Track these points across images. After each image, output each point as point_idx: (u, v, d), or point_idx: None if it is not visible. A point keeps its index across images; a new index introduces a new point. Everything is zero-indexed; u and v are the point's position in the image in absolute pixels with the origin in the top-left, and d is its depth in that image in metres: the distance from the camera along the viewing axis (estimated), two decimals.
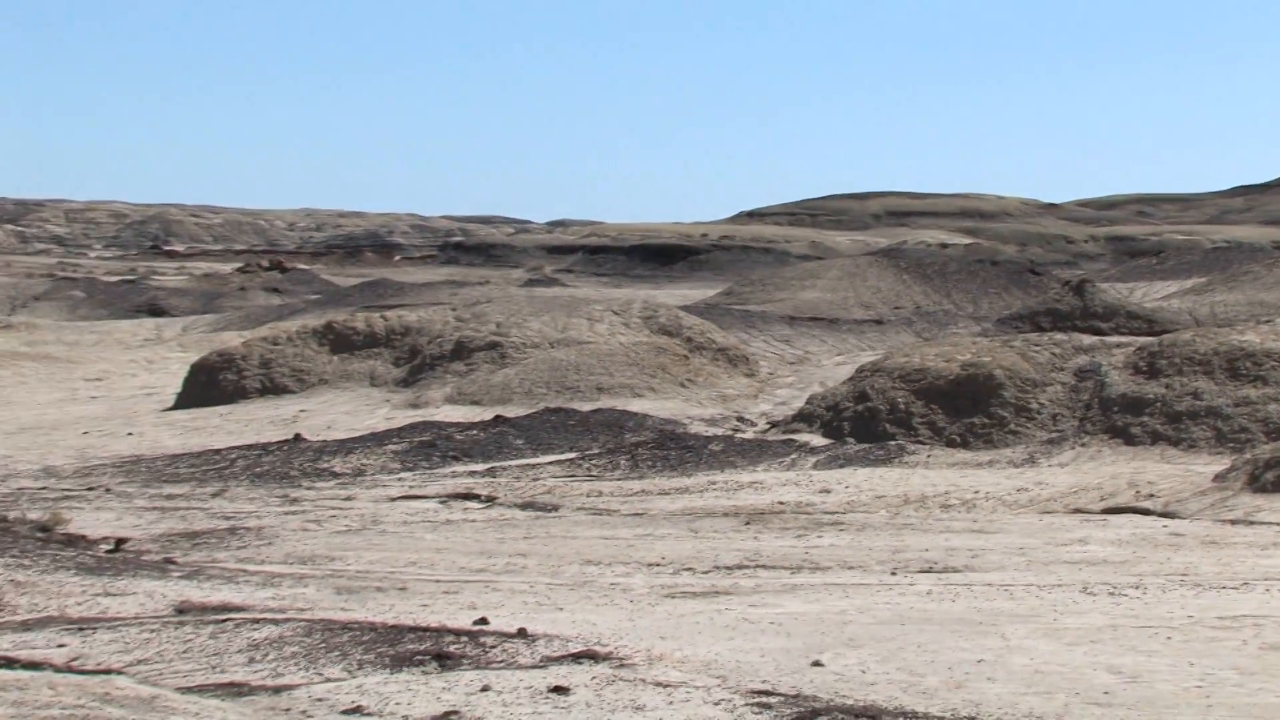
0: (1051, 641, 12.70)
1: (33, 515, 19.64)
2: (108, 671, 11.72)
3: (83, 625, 13.53)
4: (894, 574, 16.21)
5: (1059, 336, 31.18)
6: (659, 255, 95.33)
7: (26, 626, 13.54)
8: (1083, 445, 25.90)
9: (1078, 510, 20.97)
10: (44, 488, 23.30)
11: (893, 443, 26.59)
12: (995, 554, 17.35)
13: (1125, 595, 14.81)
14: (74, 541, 18.05)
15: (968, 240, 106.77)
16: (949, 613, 13.94)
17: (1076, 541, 18.33)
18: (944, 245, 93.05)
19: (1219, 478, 22.34)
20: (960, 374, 28.20)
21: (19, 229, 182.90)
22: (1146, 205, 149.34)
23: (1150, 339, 30.62)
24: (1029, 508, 21.01)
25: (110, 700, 10.31)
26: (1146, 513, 20.83)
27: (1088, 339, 30.90)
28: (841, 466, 24.68)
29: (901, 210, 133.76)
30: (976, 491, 22.04)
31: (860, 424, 27.82)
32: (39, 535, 18.15)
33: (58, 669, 11.73)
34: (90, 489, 23.18)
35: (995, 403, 27.49)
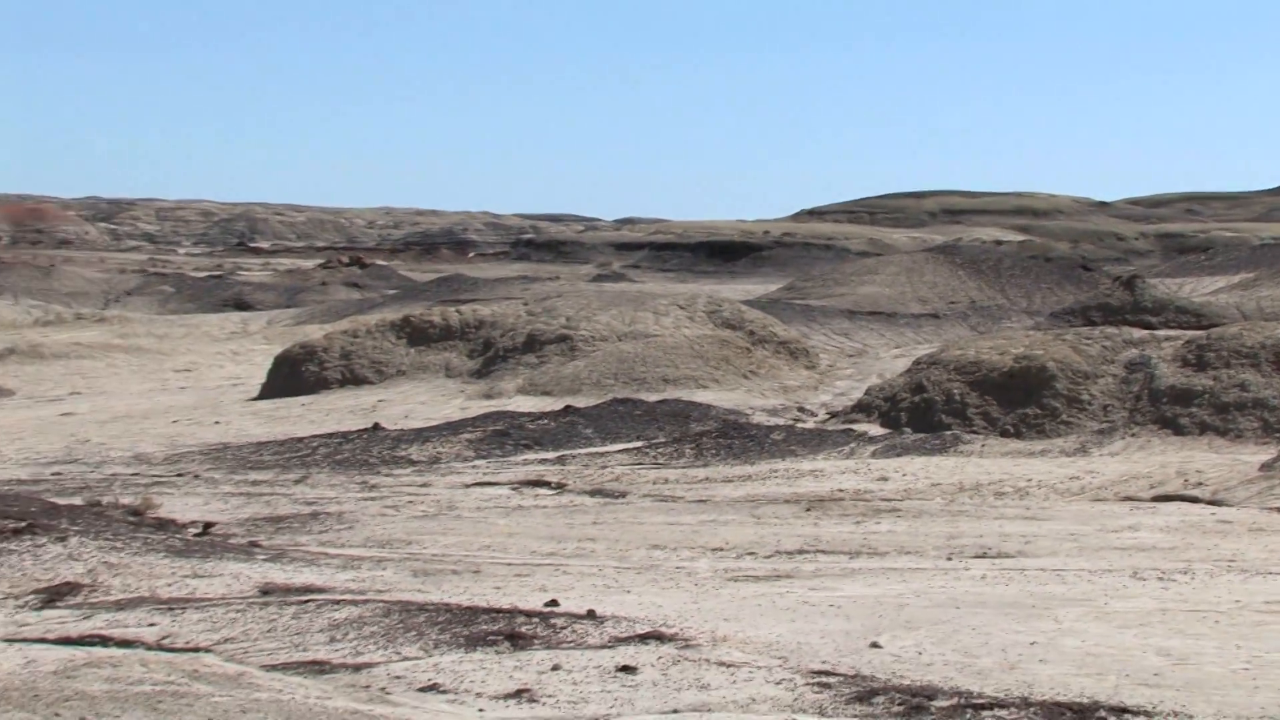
0: (1102, 624, 12.65)
1: (125, 500, 19.77)
2: (196, 649, 11.80)
3: (172, 605, 13.62)
4: (949, 559, 16.17)
5: (1110, 330, 31.01)
6: (723, 252, 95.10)
7: (120, 606, 13.64)
8: (1133, 435, 25.75)
9: (1128, 498, 20.86)
10: (136, 474, 23.44)
11: (948, 432, 26.49)
12: (1047, 540, 17.28)
13: (1174, 580, 14.74)
14: (164, 525, 18.17)
15: (1021, 237, 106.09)
16: (1003, 596, 13.90)
17: (1127, 528, 18.24)
18: (998, 242, 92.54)
19: (1265, 466, 22.20)
20: (1014, 366, 28.09)
21: (112, 227, 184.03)
22: (1195, 203, 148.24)
23: (1198, 333, 30.41)
24: (1080, 495, 20.92)
25: (198, 677, 10.37)
26: (1195, 500, 20.71)
27: (1138, 333, 30.71)
28: (898, 455, 24.60)
29: (957, 208, 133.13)
30: (1029, 480, 21.95)
31: (917, 414, 27.74)
32: (131, 519, 18.27)
33: (149, 647, 11.81)
34: (179, 475, 23.31)
35: (1048, 394, 27.37)
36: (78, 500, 19.60)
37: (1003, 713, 10.00)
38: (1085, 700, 10.29)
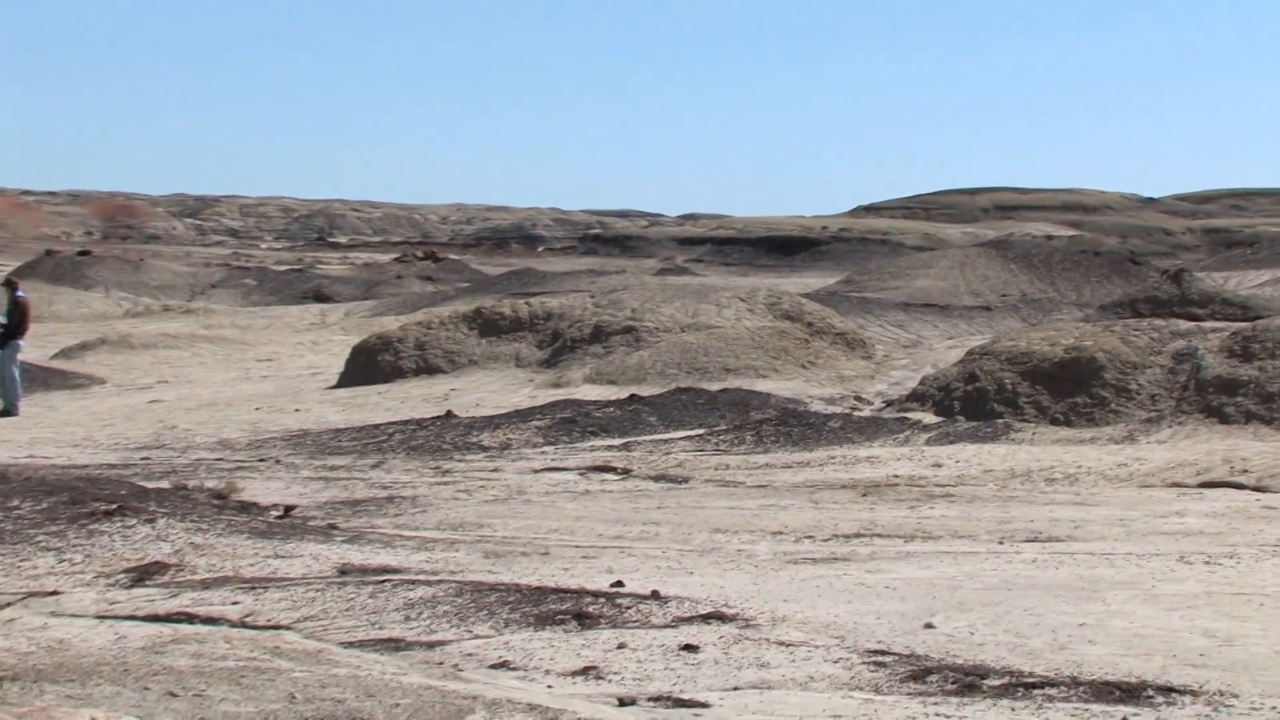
0: (1150, 607, 12.59)
1: (210, 484, 19.88)
2: (277, 627, 11.87)
3: (254, 585, 13.70)
4: (1001, 543, 16.11)
5: (1158, 322, 30.81)
6: (782, 246, 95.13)
7: (205, 585, 13.74)
8: (1179, 424, 25.61)
9: (1175, 484, 20.74)
10: (220, 459, 23.58)
11: (1000, 420, 26.40)
12: (1096, 525, 17.21)
13: (1220, 564, 14.65)
14: (247, 508, 18.27)
15: (1071, 233, 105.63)
16: (1053, 579, 13.85)
17: (1174, 514, 18.14)
18: (1049, 237, 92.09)
19: None
20: (1064, 357, 27.98)
21: (198, 223, 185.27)
22: (1241, 199, 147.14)
23: (1244, 324, 30.18)
24: (1128, 482, 20.81)
25: (280, 653, 10.43)
26: (1240, 487, 20.56)
27: (1185, 324, 30.51)
28: (952, 442, 24.53)
29: (1009, 204, 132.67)
30: (1079, 466, 21.85)
31: (969, 403, 27.66)
32: (215, 502, 18.38)
33: (232, 624, 11.89)
34: (261, 460, 23.44)
35: (1097, 384, 27.26)
36: (165, 484, 19.72)
37: (1053, 691, 9.98)
38: (1133, 680, 10.25)
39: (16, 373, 30.16)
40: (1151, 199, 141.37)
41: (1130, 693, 9.93)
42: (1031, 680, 10.25)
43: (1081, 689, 10.03)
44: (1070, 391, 27.28)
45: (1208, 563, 14.74)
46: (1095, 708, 9.56)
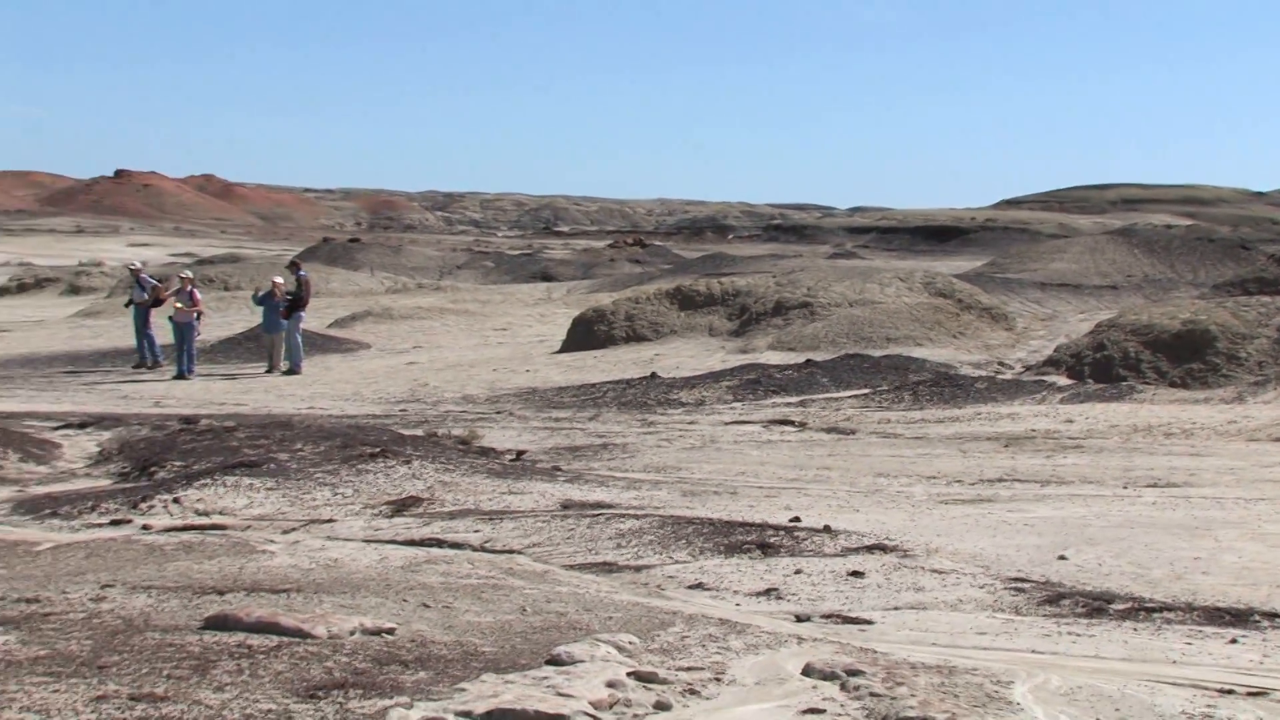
0: (1257, 544, 12.31)
1: (455, 432, 20.15)
2: (511, 551, 12.00)
3: (492, 516, 13.87)
4: (1125, 488, 15.82)
5: (1264, 299, 30.07)
6: (936, 234, 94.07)
7: (451, 516, 13.93)
8: None
9: (1278, 439, 20.20)
10: (464, 411, 23.89)
11: (1124, 383, 25.91)
12: (1209, 473, 16.82)
13: None
14: (486, 453, 18.50)
15: (1188, 222, 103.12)
16: (1170, 519, 13.58)
17: (1277, 464, 17.67)
18: (1168, 226, 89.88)
19: None
20: (1181, 328, 27.41)
21: (446, 215, 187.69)
22: None
23: None
24: (1237, 436, 20.30)
25: (513, 573, 10.54)
26: None
27: None
28: (1082, 402, 24.10)
29: (1133, 198, 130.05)
30: (1193, 423, 21.36)
31: (1098, 368, 27.22)
32: (460, 447, 18.63)
33: (474, 549, 12.05)
34: (497, 413, 23.70)
35: (1210, 352, 26.68)
36: (419, 432, 20.03)
37: (1170, 615, 9.81)
38: (1241, 606, 10.05)
39: (299, 339, 30.81)
40: (1260, 193, 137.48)
41: (1239, 617, 9.74)
42: (1151, 605, 10.08)
43: (1195, 614, 9.85)
44: (1186, 358, 26.77)
45: None
46: (1208, 630, 9.38)
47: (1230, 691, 7.46)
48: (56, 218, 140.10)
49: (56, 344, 36.84)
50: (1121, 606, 10.05)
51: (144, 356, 31.11)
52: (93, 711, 6.29)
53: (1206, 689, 7.53)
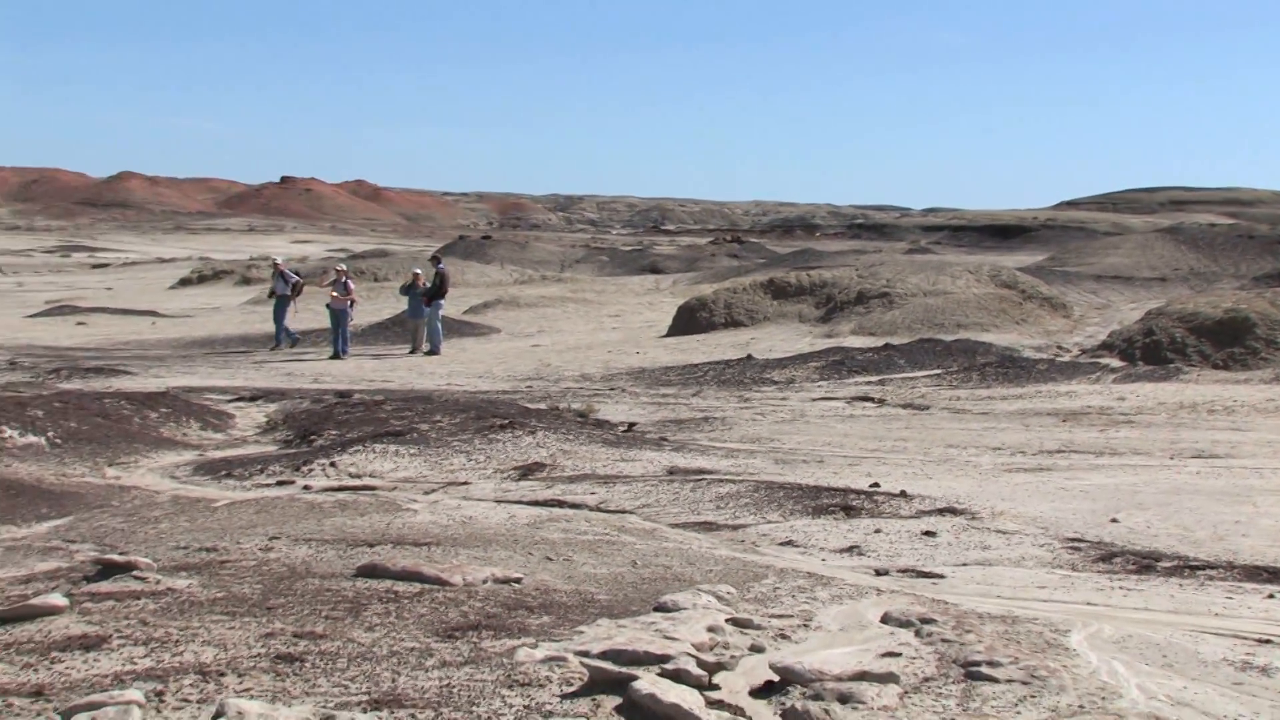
0: None
1: (574, 406, 20.24)
2: (623, 511, 12.05)
3: (606, 480, 13.93)
4: (1172, 459, 15.57)
5: None
6: (1002, 232, 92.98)
7: (571, 480, 14.01)
8: None
9: None
10: (581, 388, 23.98)
11: (1171, 365, 25.51)
12: (1249, 445, 16.51)
13: None
14: (601, 425, 18.56)
15: (1230, 221, 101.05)
16: (1213, 487, 13.35)
17: None
18: (1212, 225, 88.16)
19: None
20: (1224, 316, 26.96)
21: (566, 215, 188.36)
22: None
23: None
24: (1275, 413, 19.90)
25: (624, 531, 10.60)
26: None
27: None
28: (1133, 382, 23.74)
29: (1180, 200, 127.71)
30: (1235, 401, 20.96)
31: (1148, 351, 26.84)
32: (578, 420, 18.71)
33: (591, 509, 12.11)
34: (611, 389, 23.77)
35: (1250, 337, 26.22)
36: (542, 406, 20.14)
37: (1212, 572, 9.67)
38: (1278, 565, 9.89)
39: (439, 324, 31.10)
40: None
41: (1276, 574, 9.58)
42: (1195, 564, 9.94)
43: (1235, 571, 9.70)
44: (1228, 343, 26.35)
45: None
46: (1247, 586, 9.23)
47: (1268, 641, 7.36)
48: (231, 219, 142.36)
49: (230, 328, 37.47)
50: (1168, 564, 9.92)
51: (279, 341, 31.58)
52: (262, 646, 6.41)
53: (1245, 639, 7.43)
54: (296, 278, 32.59)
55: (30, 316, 40.34)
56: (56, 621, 6.89)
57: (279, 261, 33.80)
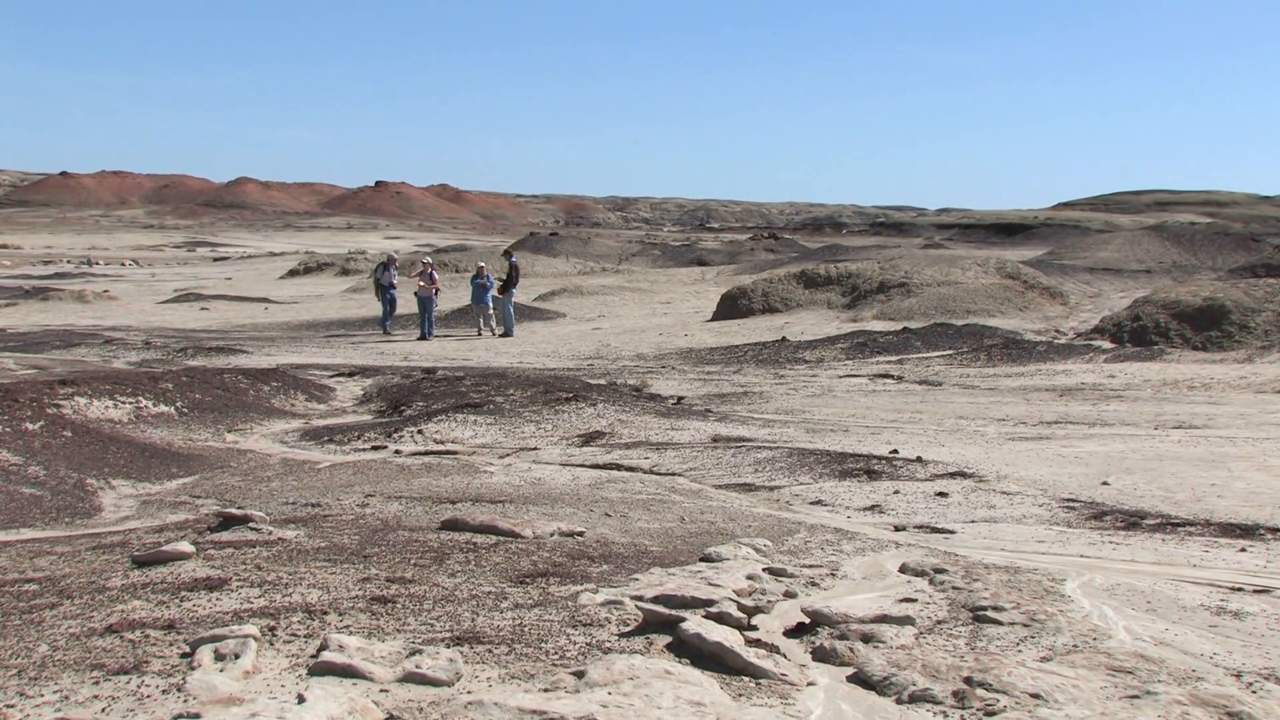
0: (1263, 474, 11.94)
1: (630, 382, 20.27)
2: (673, 474, 12.07)
3: (658, 446, 13.95)
4: (1156, 429, 15.42)
5: (1271, 281, 29.11)
6: (1006, 230, 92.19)
7: (627, 446, 14.03)
8: None
9: None
10: (636, 366, 24.01)
11: (1156, 347, 25.26)
12: (1224, 418, 16.33)
13: None
14: (654, 398, 18.58)
15: (1209, 220, 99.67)
16: (1192, 454, 13.22)
17: None
18: (1193, 223, 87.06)
19: None
20: (1203, 304, 26.65)
21: (624, 214, 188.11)
22: None
23: None
24: (1247, 389, 19.65)
25: (675, 490, 10.62)
26: None
27: None
28: (1122, 361, 23.51)
29: (1164, 201, 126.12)
30: (1212, 378, 20.73)
31: (1135, 335, 26.58)
32: (634, 394, 18.74)
33: (645, 472, 12.13)
34: (663, 367, 23.78)
35: (1226, 323, 25.90)
36: (602, 381, 20.18)
37: (1191, 529, 9.59)
38: (1249, 523, 9.78)
39: (512, 310, 31.21)
40: (1268, 196, 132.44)
41: (1247, 531, 9.49)
42: (1176, 521, 9.87)
43: (1212, 528, 9.62)
44: (1206, 327, 26.04)
45: None
46: (1222, 541, 9.15)
47: (1239, 589, 7.30)
48: (332, 218, 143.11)
49: (331, 313, 37.72)
50: (1152, 522, 9.85)
51: (385, 327, 31.66)
52: (360, 589, 6.48)
53: (1220, 587, 7.38)
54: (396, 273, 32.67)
55: (161, 303, 40.78)
56: (185, 565, 7.00)
57: (394, 256, 34.03)
